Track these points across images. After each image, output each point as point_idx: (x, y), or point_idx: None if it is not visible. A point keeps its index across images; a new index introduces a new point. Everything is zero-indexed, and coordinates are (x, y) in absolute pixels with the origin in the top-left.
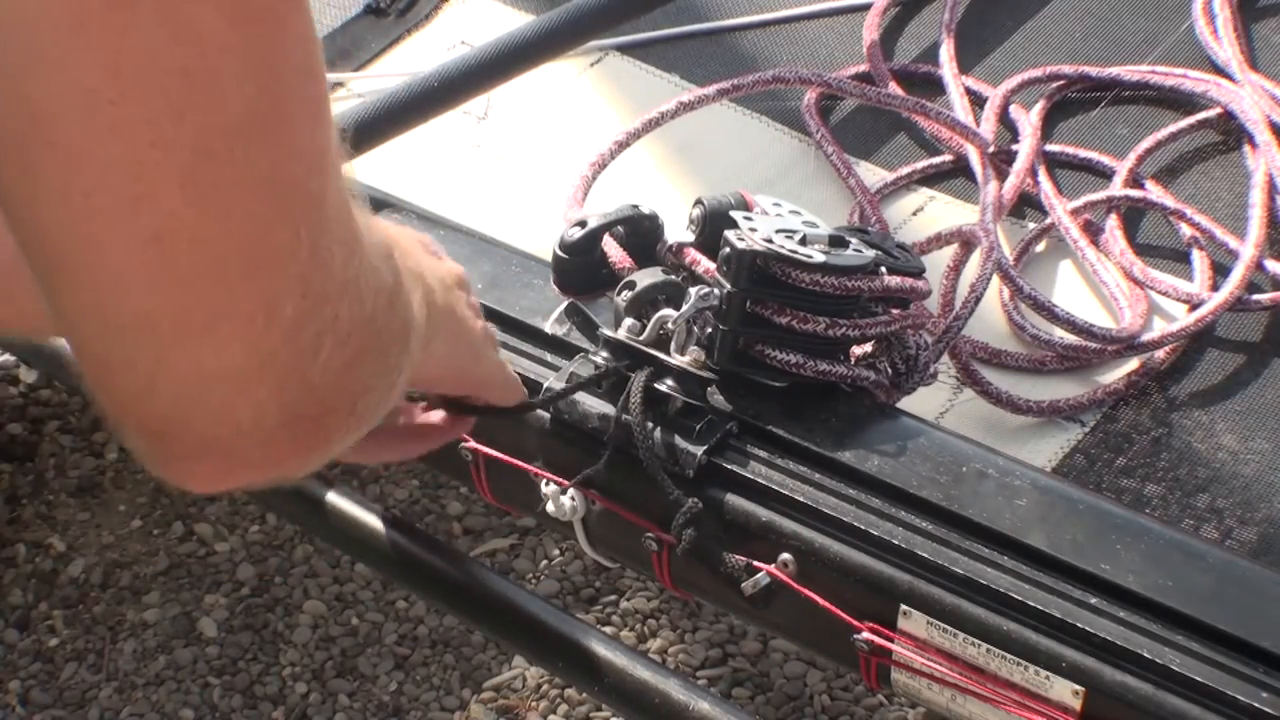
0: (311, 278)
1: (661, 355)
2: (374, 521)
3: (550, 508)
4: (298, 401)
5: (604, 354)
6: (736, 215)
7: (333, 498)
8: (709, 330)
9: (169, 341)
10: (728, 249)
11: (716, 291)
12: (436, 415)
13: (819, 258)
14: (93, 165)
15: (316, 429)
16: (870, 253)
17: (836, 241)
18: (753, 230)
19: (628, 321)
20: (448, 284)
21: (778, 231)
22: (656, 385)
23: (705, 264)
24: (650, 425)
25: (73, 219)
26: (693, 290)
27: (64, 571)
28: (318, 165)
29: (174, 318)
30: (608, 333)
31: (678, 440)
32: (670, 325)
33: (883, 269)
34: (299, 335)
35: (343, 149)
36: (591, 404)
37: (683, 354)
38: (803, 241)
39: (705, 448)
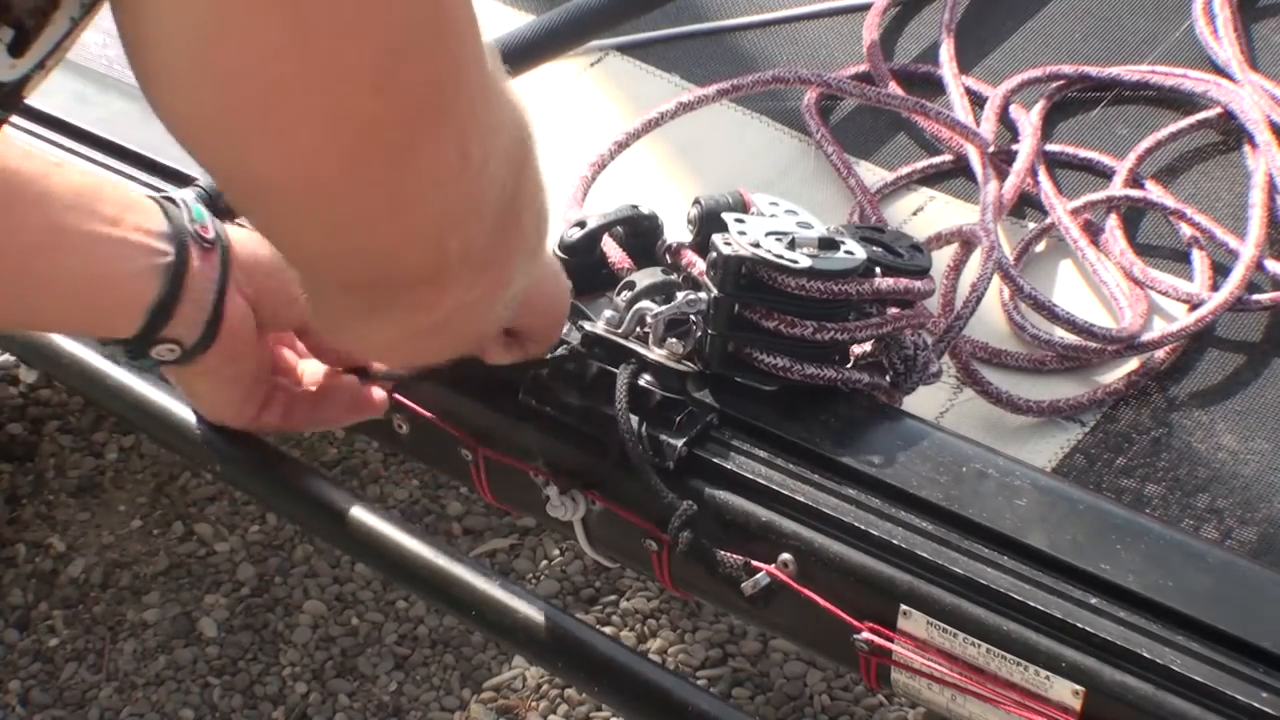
0: (485, 116)
1: (638, 348)
2: (372, 519)
3: (550, 508)
4: (496, 217)
5: (583, 347)
6: (727, 218)
7: (331, 497)
8: (699, 333)
9: (384, 214)
10: (714, 254)
11: (703, 295)
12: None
13: (805, 262)
14: (290, 103)
15: (500, 242)
16: (862, 255)
17: (827, 244)
18: (742, 234)
19: (607, 314)
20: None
21: (768, 234)
22: (636, 380)
23: (701, 265)
24: (636, 421)
25: (279, 151)
26: (680, 293)
27: (64, 571)
28: (473, 32)
29: (386, 198)
30: (587, 326)
31: (660, 434)
32: (649, 319)
33: (877, 270)
34: (485, 168)
35: None
36: (578, 400)
37: (660, 347)
38: (792, 244)
39: (685, 440)
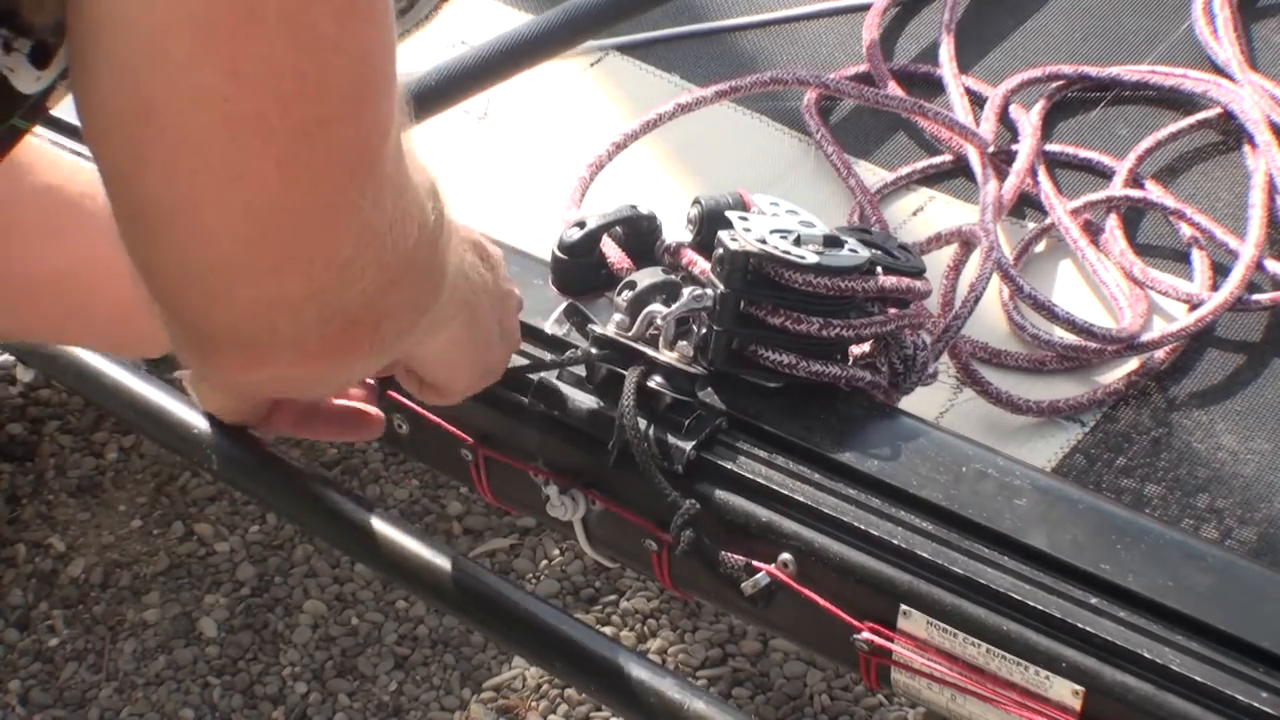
0: (368, 224)
1: (649, 351)
2: (369, 519)
3: (550, 508)
4: (332, 318)
5: (594, 349)
6: (732, 215)
7: (330, 497)
8: (704, 331)
9: (240, 279)
10: (721, 250)
11: (709, 292)
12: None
13: (812, 258)
14: (199, 151)
15: (342, 340)
16: (865, 253)
17: (831, 242)
18: (747, 231)
19: (616, 317)
20: (489, 289)
21: (772, 232)
22: (646, 382)
23: (701, 264)
24: (643, 423)
25: (176, 191)
26: (685, 290)
27: (64, 571)
28: (389, 133)
29: (248, 263)
30: (597, 329)
31: (668, 436)
32: (659, 321)
33: (878, 269)
34: (348, 270)
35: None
36: (585, 401)
37: (671, 350)
38: (797, 242)
39: (694, 442)
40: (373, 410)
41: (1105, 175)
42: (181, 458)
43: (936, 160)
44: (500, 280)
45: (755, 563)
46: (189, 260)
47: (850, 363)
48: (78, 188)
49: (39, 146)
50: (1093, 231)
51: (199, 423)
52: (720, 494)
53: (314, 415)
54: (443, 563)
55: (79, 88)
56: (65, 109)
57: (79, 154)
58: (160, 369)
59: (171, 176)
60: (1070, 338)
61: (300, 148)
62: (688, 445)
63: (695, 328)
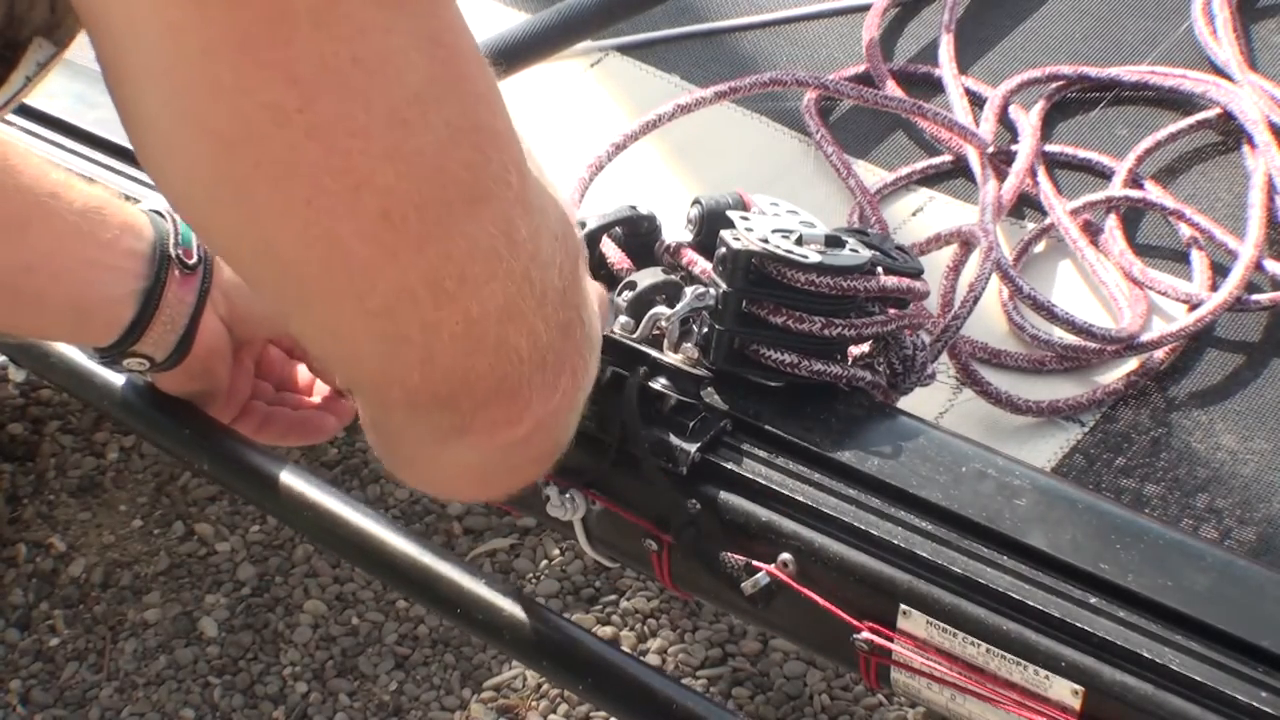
0: (527, 196)
1: (654, 353)
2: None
3: (550, 508)
4: (557, 310)
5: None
6: (733, 215)
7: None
8: (705, 330)
9: (431, 304)
10: (724, 249)
11: (712, 291)
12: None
13: (814, 258)
14: (303, 171)
15: (568, 342)
16: (867, 253)
17: (833, 242)
18: (749, 230)
19: (621, 319)
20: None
21: (774, 231)
22: (650, 384)
23: (702, 264)
24: (646, 424)
25: (300, 228)
26: (688, 289)
27: (65, 571)
28: (497, 104)
29: (426, 279)
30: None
31: (671, 438)
32: (664, 323)
33: (879, 269)
34: (538, 251)
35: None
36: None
37: (676, 351)
38: (799, 241)
39: (699, 445)
40: (329, 418)
41: (1105, 176)
42: (172, 457)
43: (936, 161)
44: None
45: (755, 563)
46: (362, 300)
47: (850, 363)
48: (48, 187)
49: (10, 144)
50: (1092, 232)
51: (187, 423)
52: (721, 494)
53: (273, 420)
54: (429, 561)
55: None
56: (50, 106)
57: (59, 144)
58: (109, 363)
59: (288, 210)
60: (1070, 338)
61: (403, 136)
62: (692, 447)
63: (696, 327)
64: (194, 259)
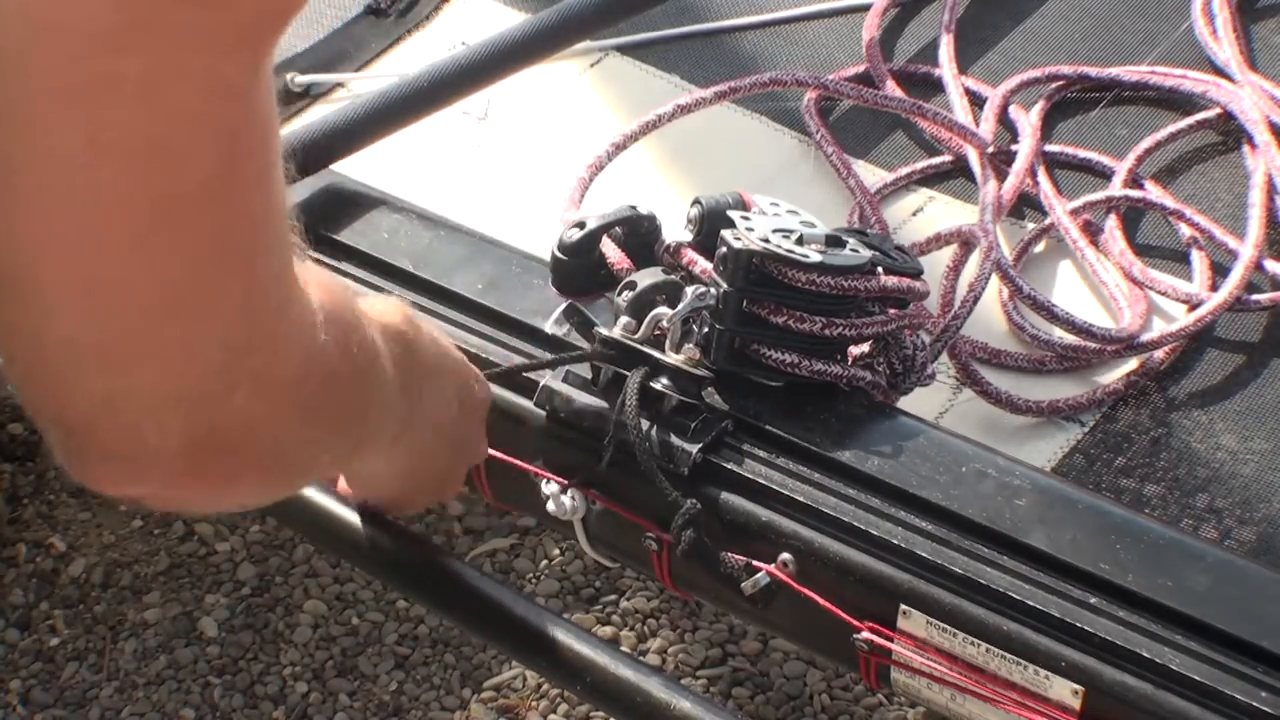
0: (236, 331)
1: (656, 353)
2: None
3: (550, 508)
4: (203, 436)
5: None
6: (734, 215)
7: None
8: (705, 330)
9: (90, 366)
10: (724, 248)
11: (712, 291)
12: None
13: (815, 257)
14: (50, 213)
15: (218, 466)
16: (867, 253)
17: (833, 242)
18: (749, 230)
19: (623, 320)
20: (444, 407)
21: (775, 231)
22: (651, 384)
23: (702, 264)
24: (646, 424)
25: (19, 250)
26: (688, 289)
27: (65, 571)
28: (259, 230)
29: (97, 347)
30: (603, 331)
31: (673, 438)
32: (665, 324)
33: (879, 269)
34: (213, 379)
35: (295, 227)
36: (589, 403)
37: (678, 352)
38: (799, 241)
39: (700, 446)
40: None
41: (1105, 175)
42: None
43: (936, 161)
44: (463, 394)
45: (755, 562)
46: (38, 333)
47: (850, 363)
48: None
49: None
50: (1092, 232)
51: None
52: (721, 494)
53: None
54: (422, 559)
55: None
56: None
57: None
58: None
59: (13, 231)
60: (1070, 338)
61: (157, 225)
62: (694, 448)
63: (696, 327)
64: None
